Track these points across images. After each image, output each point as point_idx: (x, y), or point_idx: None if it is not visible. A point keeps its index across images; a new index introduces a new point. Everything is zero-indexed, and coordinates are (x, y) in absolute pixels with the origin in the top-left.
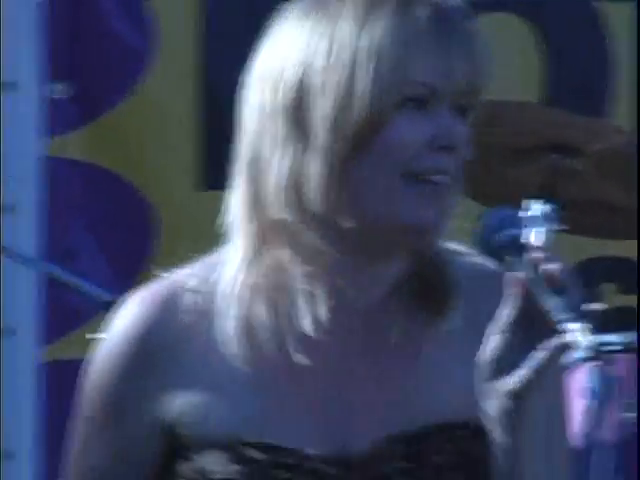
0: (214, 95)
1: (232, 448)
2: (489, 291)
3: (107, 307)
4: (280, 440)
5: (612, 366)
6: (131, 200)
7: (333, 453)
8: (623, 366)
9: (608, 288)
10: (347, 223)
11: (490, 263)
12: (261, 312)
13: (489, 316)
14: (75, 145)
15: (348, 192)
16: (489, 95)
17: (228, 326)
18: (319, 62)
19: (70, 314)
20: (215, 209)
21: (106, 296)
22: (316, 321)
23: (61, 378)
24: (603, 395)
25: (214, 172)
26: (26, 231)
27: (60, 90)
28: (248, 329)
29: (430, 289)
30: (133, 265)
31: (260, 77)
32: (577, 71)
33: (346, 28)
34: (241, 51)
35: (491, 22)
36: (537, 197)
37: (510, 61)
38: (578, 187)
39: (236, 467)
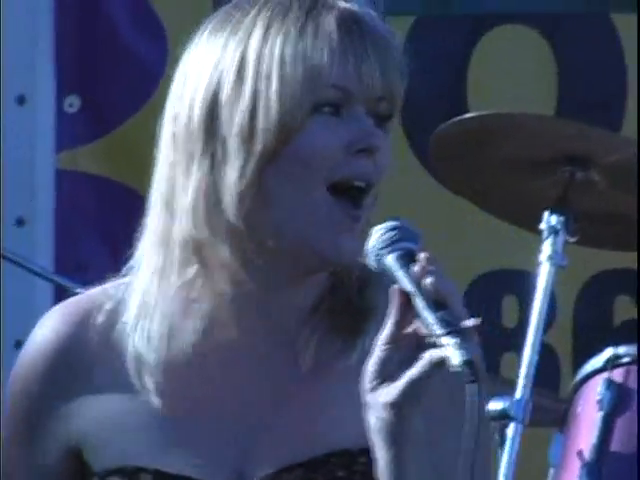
0: None
1: (130, 475)
2: None
3: None
4: (178, 468)
5: (626, 378)
6: (144, 213)
7: None
8: (637, 377)
9: (622, 300)
10: (264, 241)
11: None
12: (162, 335)
13: None
14: (88, 158)
15: (267, 208)
16: (505, 107)
17: (133, 350)
18: (230, 75)
19: None
20: None
21: None
22: (216, 346)
23: None
24: (614, 407)
25: None
26: (41, 244)
27: (73, 104)
28: (153, 353)
29: (345, 313)
30: None
31: (175, 97)
32: (592, 84)
33: (255, 39)
34: None
35: (508, 35)
36: (552, 209)
37: (526, 73)
38: (592, 199)
39: None
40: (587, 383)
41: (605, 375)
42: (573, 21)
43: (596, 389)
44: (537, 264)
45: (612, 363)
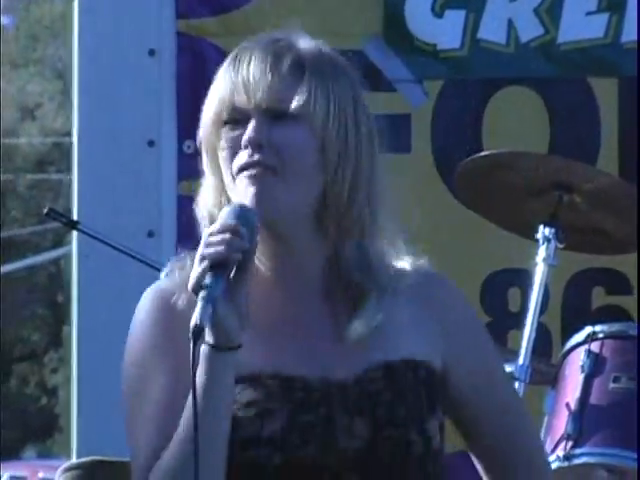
0: None
1: (253, 380)
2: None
3: None
4: (288, 371)
5: (601, 349)
6: None
7: (325, 378)
8: (610, 348)
9: (598, 290)
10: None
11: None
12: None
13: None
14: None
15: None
16: (510, 147)
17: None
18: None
19: None
20: None
21: None
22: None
23: None
24: (592, 371)
25: None
26: (166, 250)
27: (190, 146)
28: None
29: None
30: None
31: None
32: (575, 130)
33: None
34: None
35: (512, 94)
36: (546, 223)
37: (526, 122)
38: (575, 216)
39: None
40: (572, 353)
41: (586, 347)
42: (561, 83)
43: (579, 357)
44: (535, 264)
45: (591, 338)
